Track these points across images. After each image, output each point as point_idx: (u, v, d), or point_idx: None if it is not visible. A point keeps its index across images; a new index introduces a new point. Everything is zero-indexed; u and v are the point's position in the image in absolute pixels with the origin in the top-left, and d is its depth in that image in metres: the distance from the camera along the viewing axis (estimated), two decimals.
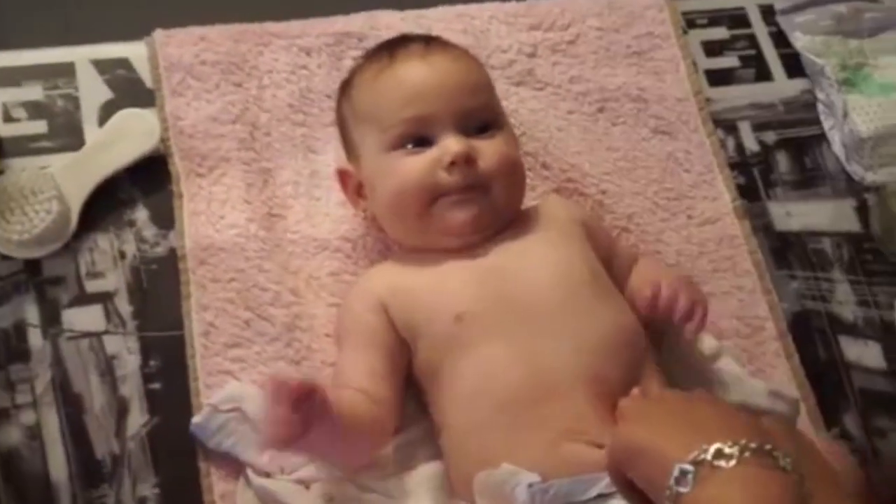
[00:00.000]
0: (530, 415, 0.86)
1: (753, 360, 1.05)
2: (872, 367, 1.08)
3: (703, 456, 0.63)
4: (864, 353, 1.08)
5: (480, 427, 0.88)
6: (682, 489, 0.63)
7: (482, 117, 0.97)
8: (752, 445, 0.63)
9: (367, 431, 0.90)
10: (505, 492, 0.83)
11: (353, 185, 1.02)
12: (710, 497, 0.62)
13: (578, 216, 1.02)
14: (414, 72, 0.97)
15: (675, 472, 0.64)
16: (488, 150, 0.95)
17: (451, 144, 0.93)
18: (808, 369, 1.05)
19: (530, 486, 0.82)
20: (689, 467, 0.63)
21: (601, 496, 0.82)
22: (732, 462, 0.63)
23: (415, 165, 0.94)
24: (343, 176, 1.03)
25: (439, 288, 0.94)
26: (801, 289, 1.11)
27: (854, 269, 1.13)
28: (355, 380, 0.92)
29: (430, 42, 1.01)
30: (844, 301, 1.11)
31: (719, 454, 0.63)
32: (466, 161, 0.93)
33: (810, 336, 1.08)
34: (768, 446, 0.64)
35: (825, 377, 1.06)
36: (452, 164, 0.93)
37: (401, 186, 0.95)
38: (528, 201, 1.04)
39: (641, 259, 1.04)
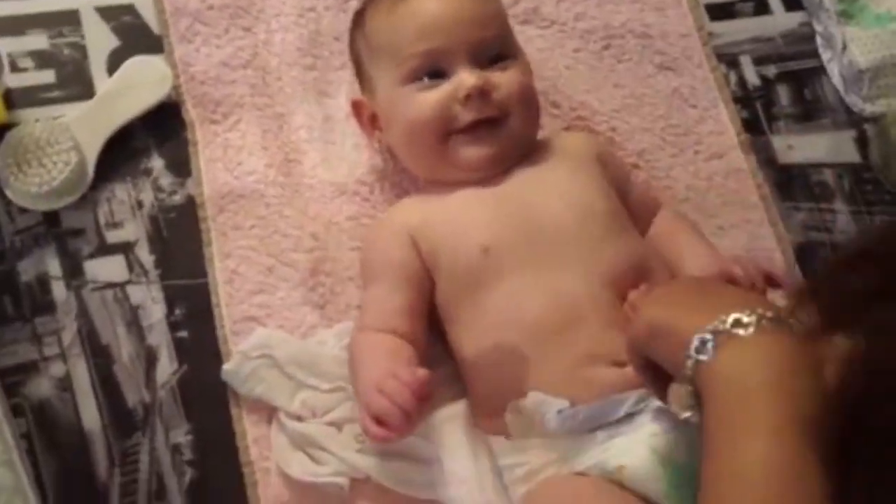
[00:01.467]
0: (554, 342, 0.89)
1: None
2: None
3: (721, 325, 0.66)
4: None
5: (505, 358, 0.90)
6: (702, 357, 0.66)
7: (496, 47, 0.98)
8: (769, 314, 0.66)
9: None
10: (535, 419, 0.86)
11: (367, 116, 1.03)
12: (728, 363, 0.65)
13: (594, 150, 1.03)
14: (428, 4, 0.97)
15: (695, 342, 0.66)
16: (503, 81, 0.96)
17: (465, 78, 0.94)
18: None
19: (560, 412, 0.85)
20: (708, 336, 0.66)
21: (628, 415, 0.85)
22: (750, 329, 0.65)
23: (430, 99, 0.95)
24: (357, 107, 1.04)
25: (462, 220, 0.95)
26: (805, 220, 1.13)
27: (855, 199, 1.16)
28: (390, 319, 0.93)
29: None
30: (846, 231, 1.13)
31: (737, 323, 0.65)
32: (481, 94, 0.94)
33: (816, 266, 1.11)
34: (783, 315, 0.66)
35: None
36: (468, 97, 0.94)
37: (416, 121, 0.96)
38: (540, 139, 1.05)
39: (664, 213, 1.05)
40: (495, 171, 0.97)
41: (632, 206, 1.01)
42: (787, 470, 0.60)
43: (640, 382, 0.83)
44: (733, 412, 0.64)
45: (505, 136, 0.96)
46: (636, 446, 0.84)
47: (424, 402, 0.85)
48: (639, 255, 0.95)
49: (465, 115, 0.95)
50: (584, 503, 0.83)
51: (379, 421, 0.84)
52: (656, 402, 0.83)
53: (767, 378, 0.63)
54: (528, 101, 0.99)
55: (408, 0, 0.98)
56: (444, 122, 0.95)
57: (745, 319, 0.65)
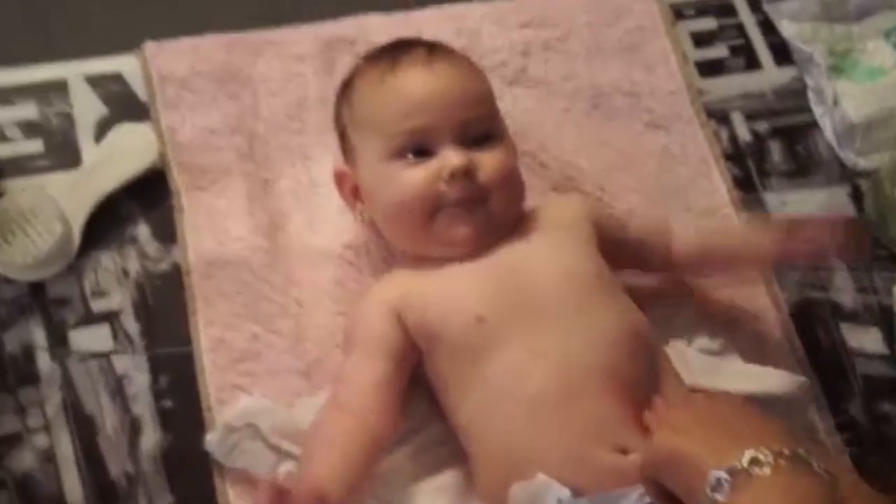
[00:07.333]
0: (555, 416, 0.87)
1: (758, 350, 1.05)
2: (874, 352, 1.09)
3: (739, 464, 0.65)
4: (866, 339, 1.09)
5: (507, 431, 0.88)
6: (719, 497, 0.65)
7: (482, 128, 0.97)
8: (786, 452, 0.65)
9: (367, 464, 0.91)
10: (538, 502, 0.84)
11: (349, 187, 1.02)
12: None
13: (583, 213, 1.01)
14: (417, 81, 0.96)
15: (712, 480, 0.66)
16: (487, 162, 0.95)
17: (451, 157, 0.94)
18: (812, 358, 1.06)
19: (559, 501, 0.83)
20: (725, 475, 0.65)
21: None
22: (767, 469, 0.65)
23: (415, 177, 0.94)
24: (340, 177, 1.03)
25: (455, 290, 0.94)
26: (801, 278, 1.12)
27: None
28: (362, 396, 0.92)
29: (432, 49, 1.00)
30: (844, 288, 1.12)
31: (755, 461, 0.65)
32: (466, 174, 0.94)
33: (812, 325, 1.09)
34: (802, 451, 0.66)
35: (829, 365, 1.07)
36: (452, 176, 0.93)
37: (401, 198, 0.95)
38: (528, 201, 1.03)
39: (680, 242, 1.03)
40: (479, 249, 0.96)
41: (633, 242, 1.01)
42: None
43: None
44: None
45: (488, 215, 0.95)
46: None
47: None
48: (633, 323, 0.94)
49: (450, 194, 0.94)
50: None
51: None
52: None
53: None
54: (512, 182, 0.98)
55: (396, 75, 0.97)
56: (430, 200, 0.94)
57: (762, 458, 0.66)
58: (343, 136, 1.04)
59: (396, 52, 1.00)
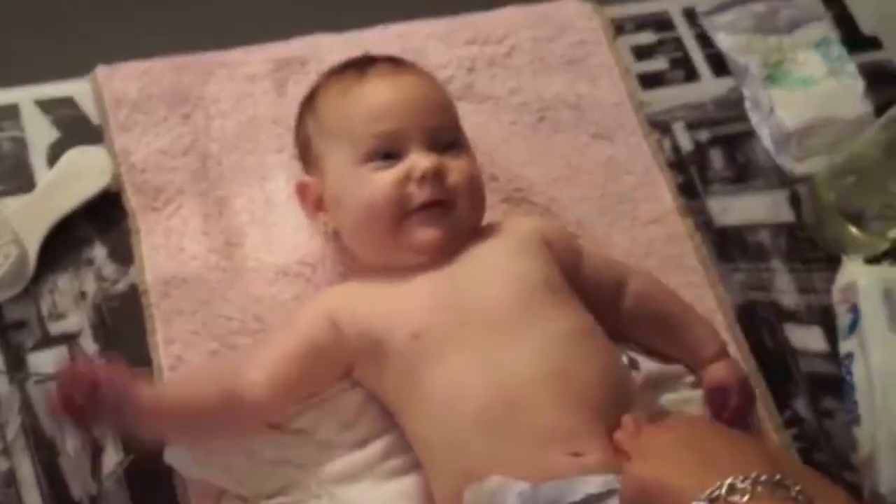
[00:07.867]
0: (506, 424, 0.87)
1: None
2: (816, 350, 1.12)
3: (717, 492, 0.66)
4: (808, 338, 1.13)
5: (458, 443, 0.88)
6: None
7: (449, 135, 1.00)
8: (763, 478, 0.67)
9: (218, 418, 0.93)
10: (496, 502, 0.85)
11: (312, 199, 1.03)
12: None
13: (538, 229, 1.02)
14: (385, 88, 0.99)
15: None
16: (455, 167, 0.98)
17: (421, 159, 0.96)
18: (758, 357, 1.09)
19: (520, 493, 0.83)
20: None
21: (590, 496, 0.83)
22: (746, 497, 0.66)
23: (385, 180, 0.96)
24: (303, 188, 1.04)
25: (395, 306, 0.95)
26: (744, 280, 1.15)
27: (792, 257, 1.17)
28: (261, 355, 0.94)
29: (397, 61, 1.04)
30: (786, 289, 1.15)
31: (732, 489, 0.66)
32: (435, 175, 0.96)
33: (757, 325, 1.12)
34: (778, 476, 0.67)
35: (774, 364, 1.10)
36: (423, 177, 0.95)
37: (370, 200, 0.96)
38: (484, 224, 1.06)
39: (638, 282, 1.05)
40: (442, 255, 0.97)
41: (587, 280, 1.02)
42: None
43: (603, 468, 0.83)
44: None
45: (454, 220, 0.97)
46: None
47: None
48: (581, 327, 0.95)
49: (420, 195, 0.96)
50: None
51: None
52: None
53: None
54: (477, 189, 1.01)
55: (364, 84, 1.00)
56: (400, 201, 0.95)
57: (740, 485, 0.67)
58: (306, 147, 1.05)
59: (362, 64, 1.03)
